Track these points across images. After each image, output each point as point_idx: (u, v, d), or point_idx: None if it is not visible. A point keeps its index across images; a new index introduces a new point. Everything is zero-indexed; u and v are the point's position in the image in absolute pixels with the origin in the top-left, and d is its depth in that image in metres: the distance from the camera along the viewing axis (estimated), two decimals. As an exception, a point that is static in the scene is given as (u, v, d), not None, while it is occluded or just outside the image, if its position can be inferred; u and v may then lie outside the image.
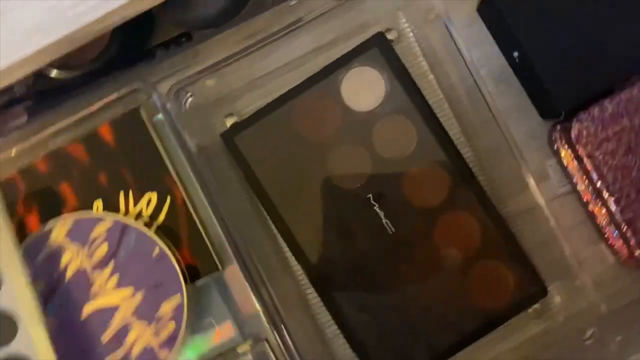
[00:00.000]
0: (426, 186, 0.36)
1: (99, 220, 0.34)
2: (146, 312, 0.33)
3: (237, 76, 0.36)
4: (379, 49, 0.36)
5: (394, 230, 0.36)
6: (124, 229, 0.34)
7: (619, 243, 0.36)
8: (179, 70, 0.36)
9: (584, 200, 0.37)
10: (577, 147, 0.35)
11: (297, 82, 0.36)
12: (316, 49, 0.37)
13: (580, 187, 0.37)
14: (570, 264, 0.35)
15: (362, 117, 0.36)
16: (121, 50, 0.36)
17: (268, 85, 0.37)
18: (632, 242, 0.35)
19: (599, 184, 0.35)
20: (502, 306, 0.36)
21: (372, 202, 0.36)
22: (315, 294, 0.36)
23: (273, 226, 0.36)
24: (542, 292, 0.36)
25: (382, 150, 0.36)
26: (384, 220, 0.36)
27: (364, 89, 0.36)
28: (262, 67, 0.37)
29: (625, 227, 0.35)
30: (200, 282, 0.35)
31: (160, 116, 0.35)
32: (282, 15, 0.36)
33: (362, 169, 0.36)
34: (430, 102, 0.36)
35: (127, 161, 0.35)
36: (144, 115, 0.35)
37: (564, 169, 0.37)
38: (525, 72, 0.37)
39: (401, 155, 0.36)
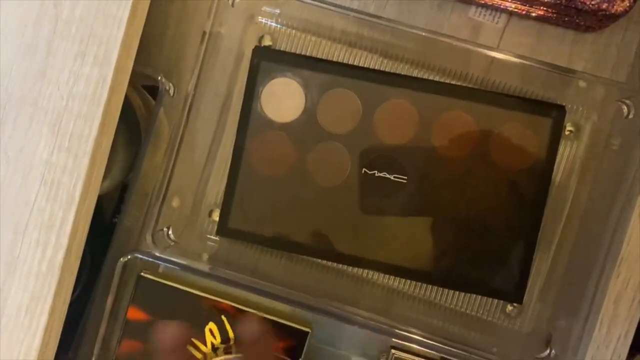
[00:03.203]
0: (396, 123, 0.36)
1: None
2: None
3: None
4: (264, 61, 0.36)
5: (405, 178, 0.35)
6: (212, 372, 0.34)
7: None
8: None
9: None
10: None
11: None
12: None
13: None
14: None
15: (302, 120, 0.36)
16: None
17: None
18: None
19: None
20: (543, 151, 0.35)
21: (370, 172, 0.36)
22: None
23: (327, 262, 0.36)
24: (561, 112, 0.35)
25: (334, 128, 0.36)
26: (391, 178, 0.35)
27: (283, 99, 0.36)
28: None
29: None
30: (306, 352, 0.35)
31: (162, 264, 0.36)
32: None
33: (340, 158, 0.36)
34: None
35: (169, 317, 0.35)
36: (149, 276, 0.36)
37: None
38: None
39: (354, 118, 0.36)
